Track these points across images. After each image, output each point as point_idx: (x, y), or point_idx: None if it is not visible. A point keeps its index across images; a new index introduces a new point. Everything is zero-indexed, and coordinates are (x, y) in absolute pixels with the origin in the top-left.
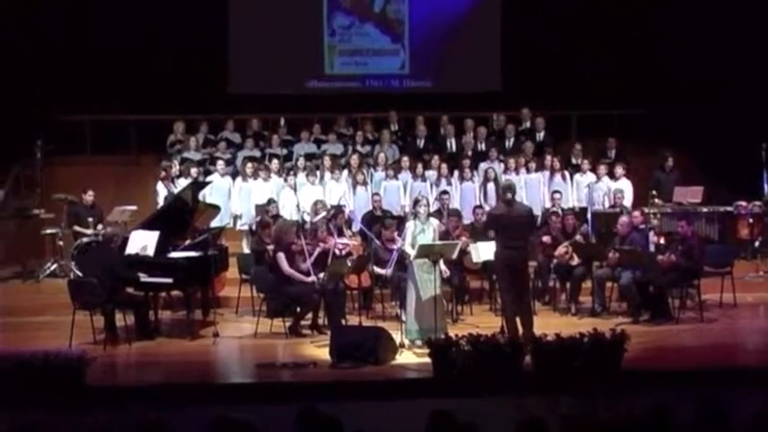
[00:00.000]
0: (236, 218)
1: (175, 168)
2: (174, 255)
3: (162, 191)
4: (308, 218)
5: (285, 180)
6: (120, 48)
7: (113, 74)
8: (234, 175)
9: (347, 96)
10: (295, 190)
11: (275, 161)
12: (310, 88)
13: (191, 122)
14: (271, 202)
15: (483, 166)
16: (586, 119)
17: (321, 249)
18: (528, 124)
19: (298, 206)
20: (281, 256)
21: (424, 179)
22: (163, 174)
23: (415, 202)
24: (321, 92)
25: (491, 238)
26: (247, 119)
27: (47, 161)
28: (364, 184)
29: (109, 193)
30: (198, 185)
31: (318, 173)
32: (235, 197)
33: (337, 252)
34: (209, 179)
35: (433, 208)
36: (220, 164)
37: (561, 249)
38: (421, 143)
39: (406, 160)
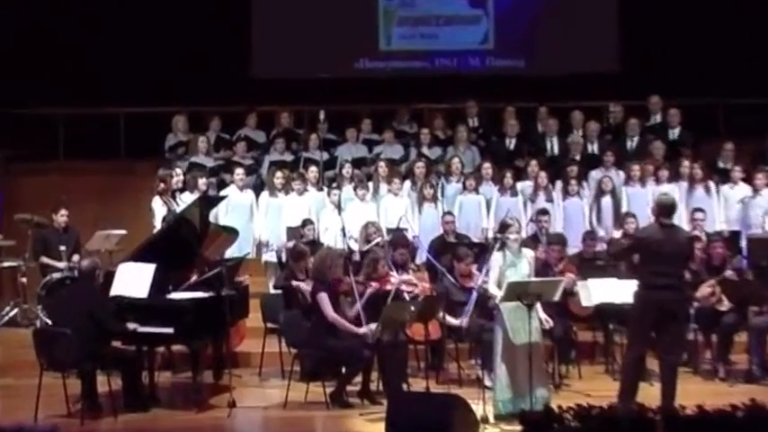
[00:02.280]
0: (260, 245)
1: (178, 179)
2: (175, 296)
3: (160, 209)
4: (355, 246)
5: (327, 194)
6: (102, 21)
7: (94, 54)
8: (257, 188)
9: (409, 81)
10: (339, 208)
11: (313, 169)
12: (359, 70)
13: (198, 117)
14: (307, 223)
15: (595, 174)
16: (738, 110)
17: (375, 289)
18: (658, 118)
19: (343, 230)
20: (324, 297)
21: (514, 193)
22: (161, 186)
23: (503, 226)
24: (374, 75)
25: (609, 272)
26: (275, 112)
27: (6, 169)
28: (433, 199)
29: (89, 213)
30: (208, 202)
31: (371, 185)
32: (259, 217)
33: (396, 292)
34: (223, 193)
35: (526, 233)
36: (239, 172)
37: (706, 289)
38: (510, 144)
39: (489, 168)
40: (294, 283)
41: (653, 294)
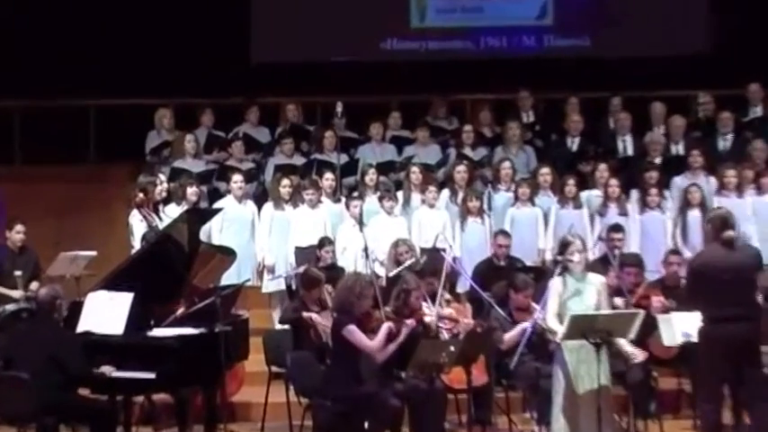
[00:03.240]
0: (262, 270)
1: (161, 187)
2: (158, 333)
3: (138, 225)
4: (381, 270)
5: (346, 206)
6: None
7: (56, 34)
8: (259, 199)
9: (447, 65)
10: (361, 223)
11: (328, 175)
12: (385, 53)
13: (186, 111)
14: (326, 243)
15: (680, 181)
16: None
17: (413, 327)
18: (758, 111)
19: (366, 250)
20: (355, 329)
21: (578, 205)
22: (140, 197)
23: (564, 245)
24: (403, 58)
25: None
26: (281, 104)
27: None
28: (478, 213)
29: (50, 230)
30: (199, 216)
31: (400, 194)
32: (261, 235)
33: (432, 328)
34: (217, 205)
35: (594, 254)
36: (237, 179)
37: None
38: (573, 144)
39: (547, 173)
40: (306, 314)
41: (714, 330)
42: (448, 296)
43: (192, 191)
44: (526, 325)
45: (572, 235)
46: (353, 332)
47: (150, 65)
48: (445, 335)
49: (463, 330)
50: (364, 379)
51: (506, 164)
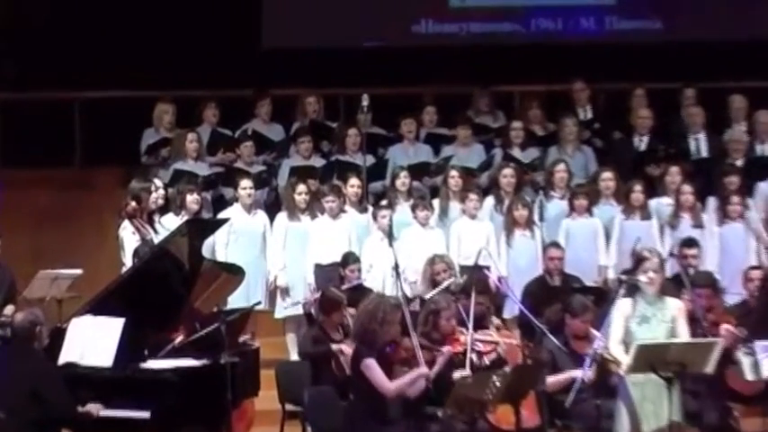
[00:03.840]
0: (275, 292)
1: (157, 194)
2: (154, 364)
3: (130, 239)
4: (410, 291)
5: (373, 216)
6: None
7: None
8: (272, 208)
9: (492, 52)
10: (390, 236)
11: (353, 181)
12: (420, 36)
13: (186, 104)
14: (351, 260)
15: (765, 187)
16: None
17: (450, 356)
18: None
19: (396, 268)
20: (372, 364)
21: (646, 215)
22: (132, 205)
23: (639, 261)
24: (441, 43)
25: None
26: (297, 97)
27: None
28: (528, 224)
29: (28, 244)
30: (201, 227)
31: (436, 202)
32: (274, 250)
33: (474, 359)
34: (222, 215)
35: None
36: (245, 185)
37: None
38: (640, 143)
39: (610, 178)
40: (336, 346)
41: None
42: (497, 321)
43: (192, 198)
44: (577, 374)
45: (649, 250)
46: (371, 368)
47: (144, 51)
48: (486, 360)
49: (510, 361)
50: (392, 418)
51: (561, 167)
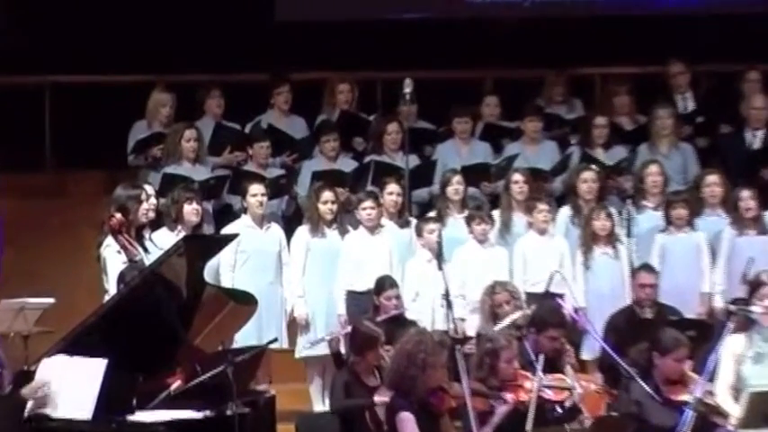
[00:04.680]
0: (295, 326)
1: (148, 203)
2: (144, 417)
3: (115, 259)
4: (470, 325)
5: (418, 232)
6: None
7: None
8: (291, 221)
9: (567, 27)
10: (440, 256)
11: (393, 187)
12: (475, 6)
13: (184, 91)
14: (388, 285)
15: None
16: None
17: (512, 406)
18: None
19: (447, 296)
20: (408, 419)
21: (762, 229)
22: (117, 217)
23: (755, 286)
24: (501, 15)
25: None
26: (324, 82)
27: None
28: (611, 241)
29: None
30: (203, 245)
31: (497, 214)
32: (293, 273)
33: (542, 409)
34: (229, 230)
35: None
36: (256, 191)
37: None
38: (754, 139)
39: (716, 183)
40: (379, 398)
41: None
42: (573, 362)
43: (191, 209)
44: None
45: (759, 271)
46: (406, 425)
47: (133, 26)
48: (558, 411)
49: (589, 412)
50: None
51: (654, 169)
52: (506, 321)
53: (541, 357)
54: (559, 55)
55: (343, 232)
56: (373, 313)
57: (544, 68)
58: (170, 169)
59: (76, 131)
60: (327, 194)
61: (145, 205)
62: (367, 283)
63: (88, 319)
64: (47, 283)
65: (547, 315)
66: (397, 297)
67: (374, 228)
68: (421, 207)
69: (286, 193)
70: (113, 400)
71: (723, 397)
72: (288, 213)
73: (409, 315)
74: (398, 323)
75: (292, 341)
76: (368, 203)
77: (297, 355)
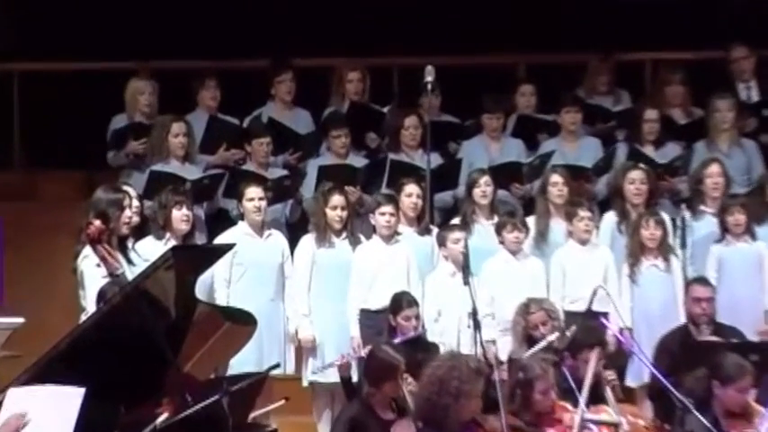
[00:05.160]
0: (300, 350)
1: (132, 209)
2: None
3: (93, 273)
4: (502, 349)
5: (441, 242)
6: None
7: None
8: (295, 228)
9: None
10: (466, 268)
11: (411, 189)
12: None
13: (172, 80)
14: (405, 302)
15: None
16: None
17: None
18: None
19: (474, 316)
20: None
21: None
22: (96, 225)
23: None
24: None
25: None
26: (331, 69)
27: None
28: (662, 252)
29: None
30: (194, 257)
31: (531, 221)
32: (297, 288)
33: None
34: (224, 239)
35: None
36: (254, 194)
37: None
38: None
39: None
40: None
41: None
42: (617, 391)
43: (181, 214)
44: None
45: None
46: None
47: (112, 7)
48: None
49: None
50: None
51: (715, 169)
52: (541, 345)
53: (585, 389)
54: (604, 37)
55: (354, 242)
56: (388, 335)
57: (586, 53)
58: (157, 167)
59: (49, 125)
60: (337, 198)
61: (127, 212)
62: (382, 301)
63: (62, 341)
64: (14, 301)
65: (582, 335)
66: (417, 317)
67: (391, 236)
68: (444, 213)
69: (290, 196)
70: None
71: None
72: (292, 220)
73: (430, 337)
74: (417, 346)
75: (297, 367)
76: (387, 208)
77: (304, 383)
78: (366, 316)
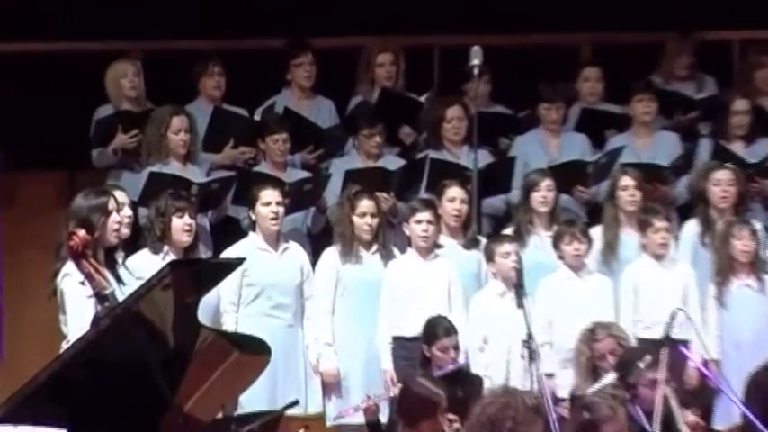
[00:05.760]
0: (324, 385)
1: (121, 216)
2: None
3: (77, 292)
4: (564, 383)
5: (488, 256)
6: None
7: None
8: (316, 239)
9: None
10: (520, 287)
11: (455, 192)
12: None
13: (169, 63)
14: (438, 328)
15: None
16: None
17: None
18: None
19: (529, 344)
20: None
21: None
22: (79, 236)
23: None
24: None
25: None
26: (359, 50)
27: None
28: (751, 268)
29: None
30: (197, 274)
31: (596, 232)
32: (319, 311)
33: None
34: (232, 252)
35: None
36: (269, 198)
37: None
38: None
39: None
40: None
41: None
42: (695, 420)
43: (183, 224)
44: None
45: None
46: None
47: None
48: None
49: None
50: None
51: None
52: (608, 378)
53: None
54: (684, 13)
55: (386, 256)
56: (421, 368)
57: (663, 31)
58: (157, 166)
59: (24, 117)
60: (366, 204)
61: (115, 217)
62: (418, 327)
63: (40, 374)
64: None
65: (633, 357)
66: (455, 347)
67: (429, 249)
68: (494, 221)
69: (311, 203)
70: None
71: None
72: (314, 231)
73: (474, 369)
74: (457, 380)
75: (318, 403)
76: (423, 215)
77: (329, 423)
78: (400, 345)
